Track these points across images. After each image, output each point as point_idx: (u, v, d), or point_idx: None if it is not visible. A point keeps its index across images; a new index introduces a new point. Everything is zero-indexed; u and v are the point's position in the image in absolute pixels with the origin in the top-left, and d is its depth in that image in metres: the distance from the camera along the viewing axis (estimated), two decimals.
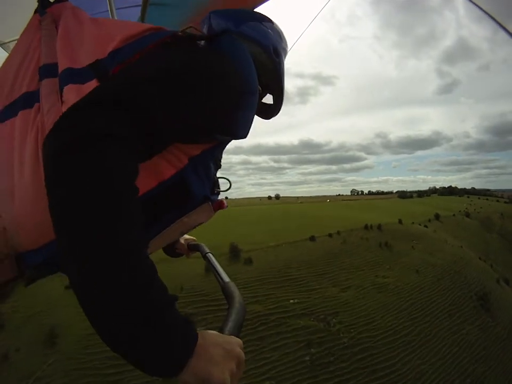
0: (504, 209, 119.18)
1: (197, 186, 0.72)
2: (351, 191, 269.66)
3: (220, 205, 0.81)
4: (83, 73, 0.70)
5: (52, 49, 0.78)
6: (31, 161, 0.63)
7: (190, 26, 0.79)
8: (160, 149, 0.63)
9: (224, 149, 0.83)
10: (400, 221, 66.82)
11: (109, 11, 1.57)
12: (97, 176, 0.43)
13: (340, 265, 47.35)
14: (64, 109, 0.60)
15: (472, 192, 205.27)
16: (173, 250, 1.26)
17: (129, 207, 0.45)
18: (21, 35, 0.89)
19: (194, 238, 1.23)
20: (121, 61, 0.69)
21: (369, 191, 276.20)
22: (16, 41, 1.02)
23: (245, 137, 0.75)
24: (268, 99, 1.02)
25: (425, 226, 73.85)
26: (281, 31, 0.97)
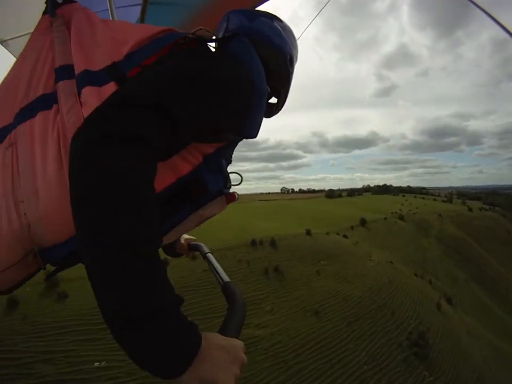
0: (442, 209, 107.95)
1: (212, 181, 0.80)
2: (281, 189, 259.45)
3: (232, 197, 0.89)
4: (100, 76, 0.72)
5: (66, 51, 0.80)
6: (55, 161, 0.66)
7: (200, 28, 0.81)
8: (180, 148, 0.69)
9: (235, 146, 0.92)
10: (308, 232, 48.20)
11: (109, 10, 1.56)
12: (121, 171, 0.46)
13: (191, 306, 29.18)
14: (84, 111, 0.68)
15: (408, 190, 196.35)
16: (173, 250, 1.30)
17: (146, 204, 0.47)
18: (31, 37, 0.91)
19: (194, 238, 1.29)
20: (138, 64, 0.73)
21: (300, 189, 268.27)
22: (16, 39, 1.10)
23: (255, 136, 0.79)
24: (272, 99, 1.07)
25: (345, 236, 54.74)
26: (292, 32, 1.03)
